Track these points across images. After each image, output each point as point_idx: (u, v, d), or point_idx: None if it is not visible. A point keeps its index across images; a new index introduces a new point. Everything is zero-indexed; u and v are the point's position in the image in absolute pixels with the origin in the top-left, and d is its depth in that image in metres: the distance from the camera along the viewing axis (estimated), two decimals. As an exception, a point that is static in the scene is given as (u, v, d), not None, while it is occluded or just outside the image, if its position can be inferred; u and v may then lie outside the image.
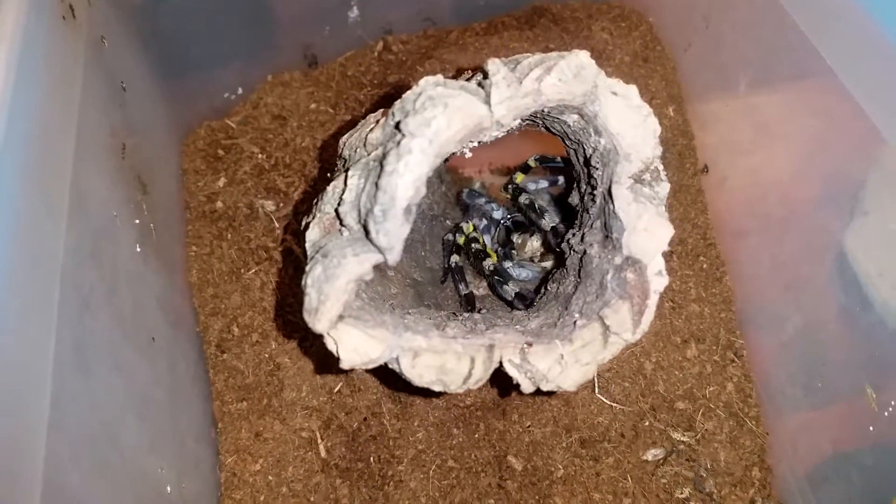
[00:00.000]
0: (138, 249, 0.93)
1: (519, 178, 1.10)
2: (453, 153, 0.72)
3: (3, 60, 0.70)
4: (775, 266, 1.03)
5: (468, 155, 0.76)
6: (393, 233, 0.64)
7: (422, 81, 0.66)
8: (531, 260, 1.06)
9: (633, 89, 0.72)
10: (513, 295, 0.96)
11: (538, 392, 0.74)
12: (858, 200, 0.87)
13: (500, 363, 0.72)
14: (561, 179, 1.12)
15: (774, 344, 1.03)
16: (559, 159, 1.08)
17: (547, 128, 0.82)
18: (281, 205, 1.18)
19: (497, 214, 1.11)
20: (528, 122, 0.79)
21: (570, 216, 0.94)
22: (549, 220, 0.98)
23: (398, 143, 0.63)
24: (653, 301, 0.73)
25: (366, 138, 0.73)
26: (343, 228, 0.72)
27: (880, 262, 0.84)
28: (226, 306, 1.10)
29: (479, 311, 0.94)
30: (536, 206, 1.01)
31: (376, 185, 0.64)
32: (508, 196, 1.11)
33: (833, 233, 0.90)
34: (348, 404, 1.02)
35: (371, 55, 1.35)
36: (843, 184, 0.90)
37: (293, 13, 1.29)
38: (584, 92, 0.69)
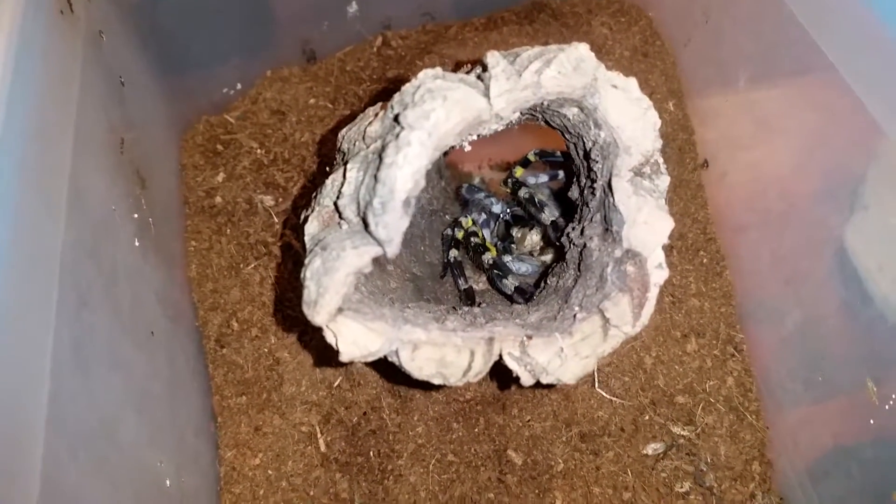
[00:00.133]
0: (137, 244, 0.92)
1: (518, 172, 1.09)
2: (453, 147, 0.72)
3: (0, 54, 0.69)
4: (775, 261, 1.03)
5: (467, 149, 0.76)
6: (392, 225, 0.64)
7: (421, 74, 0.66)
8: (531, 254, 1.06)
9: (632, 82, 0.72)
10: (512, 289, 0.96)
11: (538, 385, 0.74)
12: (858, 195, 0.87)
13: (500, 356, 0.72)
14: (561, 174, 1.12)
15: (774, 338, 1.03)
16: (559, 154, 1.08)
17: (546, 122, 0.82)
18: (280, 200, 1.18)
19: (496, 208, 1.11)
20: (527, 115, 0.79)
21: (570, 211, 0.94)
22: (549, 214, 0.98)
23: (397, 135, 0.63)
24: (653, 294, 0.73)
25: (365, 131, 0.73)
26: (342, 221, 0.71)
27: (880, 257, 0.84)
28: (225, 301, 1.10)
29: (478, 306, 0.94)
30: (536, 199, 1.01)
31: (375, 177, 0.64)
32: (508, 190, 1.11)
33: (833, 227, 0.90)
34: (348, 399, 1.02)
35: (370, 50, 1.34)
36: (843, 178, 0.90)
37: (292, 8, 1.29)
38: (584, 85, 0.69)
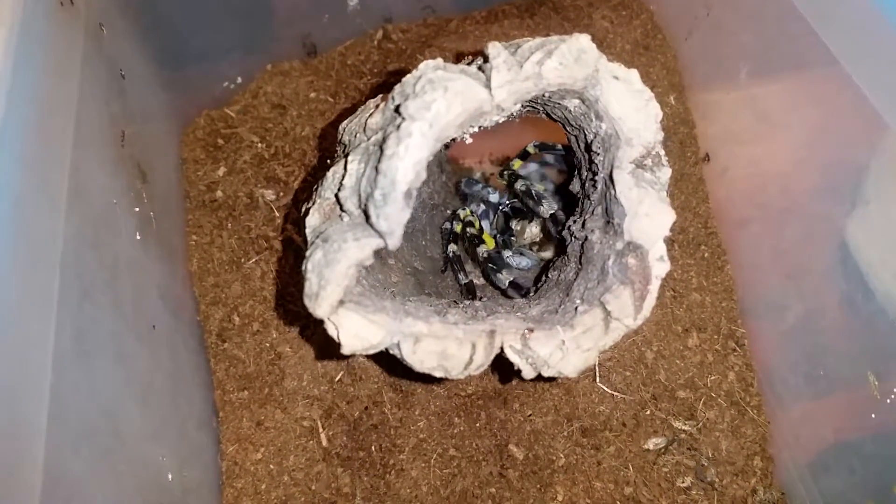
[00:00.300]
0: (138, 238, 0.92)
1: (516, 164, 1.09)
2: (454, 139, 0.72)
3: (1, 47, 0.69)
4: (777, 255, 1.03)
5: (469, 141, 0.76)
6: (393, 217, 0.63)
7: (422, 65, 0.66)
8: (530, 247, 1.06)
9: (634, 73, 0.71)
10: (507, 283, 0.95)
11: (539, 379, 0.74)
12: (860, 189, 0.87)
13: (502, 349, 0.72)
14: (551, 158, 1.11)
15: (776, 333, 1.03)
16: (559, 146, 1.07)
17: (548, 114, 0.82)
18: (281, 194, 1.18)
19: (493, 198, 1.11)
20: (528, 107, 0.79)
21: (571, 204, 0.94)
22: (548, 207, 0.97)
23: (398, 126, 0.63)
24: (654, 286, 0.73)
25: (366, 123, 0.73)
26: (343, 214, 0.71)
27: (882, 251, 0.84)
28: (226, 295, 1.10)
29: (479, 300, 0.94)
30: (533, 192, 1.00)
31: (376, 169, 0.64)
32: (504, 182, 1.11)
33: (834, 222, 0.90)
34: (349, 393, 1.02)
35: (371, 44, 1.34)
36: (845, 173, 0.89)
37: (292, 2, 1.29)
38: (586, 76, 0.69)
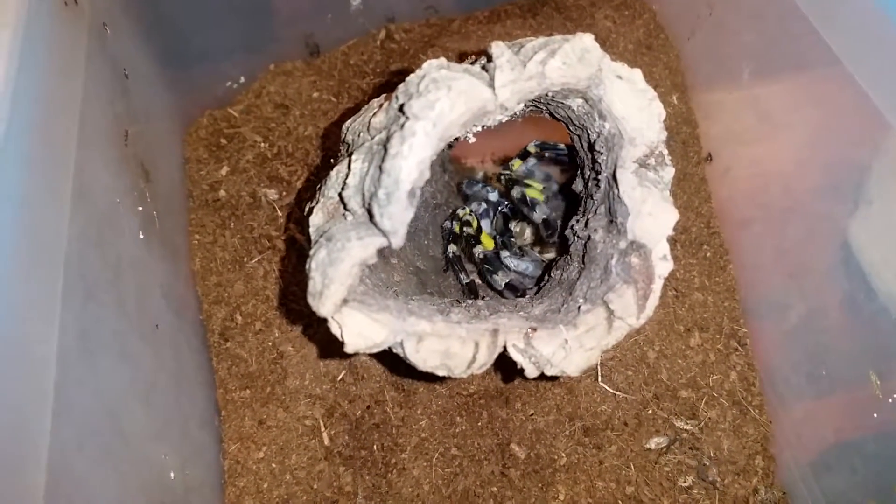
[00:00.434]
0: (142, 237, 0.92)
1: (516, 164, 1.09)
2: (457, 138, 0.72)
3: (5, 46, 0.70)
4: (779, 255, 1.03)
5: (472, 140, 0.76)
6: (397, 216, 0.63)
7: (425, 64, 0.66)
8: (532, 247, 1.06)
9: (637, 73, 0.71)
10: (502, 285, 0.95)
11: (542, 378, 0.74)
12: (862, 189, 0.87)
13: (505, 348, 0.72)
14: (553, 157, 1.11)
15: (778, 333, 1.03)
16: (561, 146, 1.07)
17: (551, 114, 0.82)
18: (284, 193, 1.18)
19: (492, 196, 1.11)
20: (532, 107, 0.79)
21: (574, 203, 0.94)
22: (540, 213, 0.98)
23: (402, 125, 0.63)
24: (657, 285, 0.73)
25: (369, 122, 0.73)
26: (347, 213, 0.71)
27: (884, 251, 0.84)
28: (229, 295, 1.10)
29: (482, 299, 0.94)
30: (528, 199, 1.00)
31: (380, 168, 0.64)
32: (502, 187, 1.11)
33: (837, 221, 0.90)
34: (351, 392, 1.02)
35: (373, 43, 1.34)
36: (848, 172, 0.89)
37: (295, 2, 1.29)
38: (589, 75, 0.69)
